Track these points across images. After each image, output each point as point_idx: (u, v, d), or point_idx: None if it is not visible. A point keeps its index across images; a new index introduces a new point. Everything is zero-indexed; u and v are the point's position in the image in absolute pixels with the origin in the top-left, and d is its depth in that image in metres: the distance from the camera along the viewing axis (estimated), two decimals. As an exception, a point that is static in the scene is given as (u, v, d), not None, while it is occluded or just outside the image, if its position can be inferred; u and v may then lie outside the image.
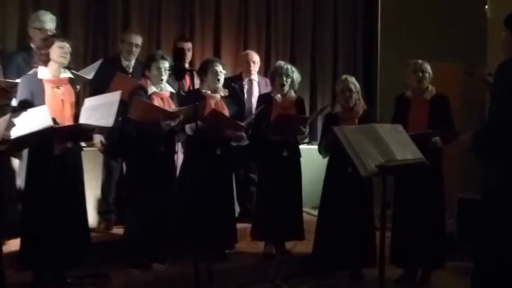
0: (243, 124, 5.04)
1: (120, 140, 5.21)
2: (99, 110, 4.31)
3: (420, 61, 5.07)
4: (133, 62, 5.64)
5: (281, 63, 5.47)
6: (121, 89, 4.56)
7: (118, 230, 5.42)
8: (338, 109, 5.21)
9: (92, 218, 5.47)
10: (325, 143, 5.10)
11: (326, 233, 5.17)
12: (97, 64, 5.08)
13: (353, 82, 5.15)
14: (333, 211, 5.11)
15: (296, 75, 5.41)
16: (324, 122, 5.40)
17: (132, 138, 4.80)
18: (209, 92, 5.15)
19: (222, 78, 5.16)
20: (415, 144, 3.73)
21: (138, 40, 5.64)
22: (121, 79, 5.25)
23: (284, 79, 5.32)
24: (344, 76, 5.25)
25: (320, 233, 5.23)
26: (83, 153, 4.69)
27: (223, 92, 5.22)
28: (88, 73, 4.94)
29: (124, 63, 5.62)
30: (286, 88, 5.35)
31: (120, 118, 4.70)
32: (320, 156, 5.25)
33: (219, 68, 5.14)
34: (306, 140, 6.54)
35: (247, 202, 6.20)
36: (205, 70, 5.16)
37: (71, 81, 4.52)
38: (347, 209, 5.03)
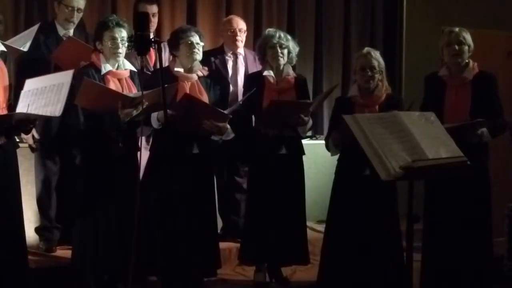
0: (227, 112, 5.02)
1: (60, 134, 5.19)
2: (45, 95, 4.30)
3: (457, 29, 5.04)
4: (72, 31, 5.60)
5: (270, 31, 5.47)
6: (70, 61, 4.50)
7: (63, 252, 5.43)
8: (354, 92, 5.18)
9: (29, 236, 5.44)
10: (334, 136, 5.09)
11: (335, 255, 5.14)
12: (33, 30, 5.05)
13: (377, 58, 5.11)
14: (344, 227, 5.09)
15: (292, 44, 5.42)
16: (334, 108, 5.37)
17: (79, 132, 4.78)
18: (182, 71, 5.13)
19: (199, 52, 5.13)
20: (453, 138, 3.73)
21: (80, 3, 5.54)
22: (73, 45, 5.21)
23: (279, 51, 5.31)
24: (366, 49, 5.20)
25: (327, 256, 5.20)
26: (18, 151, 4.68)
27: (201, 71, 5.20)
28: (22, 43, 4.90)
29: (61, 31, 5.58)
30: (282, 63, 5.34)
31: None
32: (328, 154, 5.23)
33: (196, 38, 5.10)
34: (309, 134, 6.53)
35: (232, 215, 6.21)
36: (176, 41, 5.13)
37: (3, 56, 4.48)
38: (363, 224, 5.02)
